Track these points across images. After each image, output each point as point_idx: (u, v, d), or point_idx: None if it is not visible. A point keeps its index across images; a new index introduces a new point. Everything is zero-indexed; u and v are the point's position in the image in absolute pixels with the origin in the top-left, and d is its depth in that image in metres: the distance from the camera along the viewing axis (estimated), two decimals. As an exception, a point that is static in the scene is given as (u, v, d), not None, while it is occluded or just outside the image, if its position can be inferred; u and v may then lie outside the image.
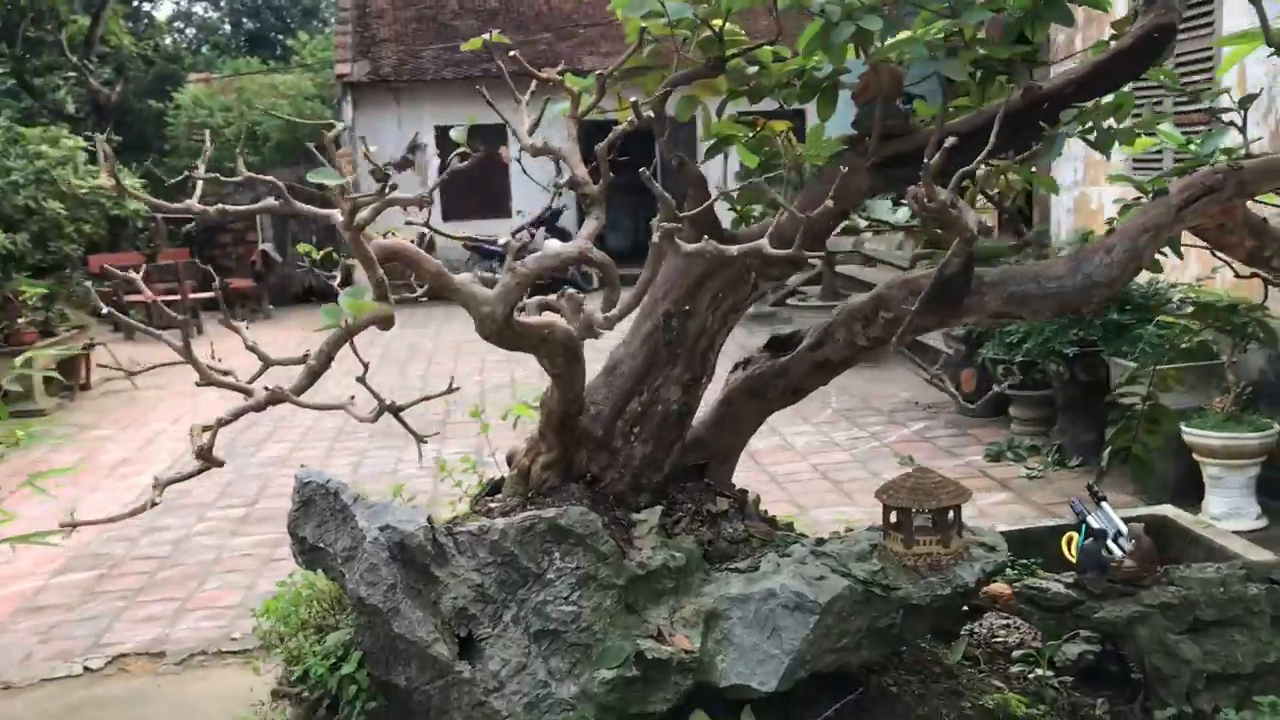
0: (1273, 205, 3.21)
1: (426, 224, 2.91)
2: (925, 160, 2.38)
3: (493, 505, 3.14)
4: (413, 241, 2.65)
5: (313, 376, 2.24)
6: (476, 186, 17.38)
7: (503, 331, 2.57)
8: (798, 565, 2.91)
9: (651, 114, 2.96)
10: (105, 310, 2.23)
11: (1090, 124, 3.04)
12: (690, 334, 3.12)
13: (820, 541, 3.13)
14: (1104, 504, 3.60)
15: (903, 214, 3.60)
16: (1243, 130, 3.06)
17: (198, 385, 2.14)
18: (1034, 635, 3.49)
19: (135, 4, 25.86)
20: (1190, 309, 5.96)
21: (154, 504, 1.89)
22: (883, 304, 3.02)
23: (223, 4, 36.36)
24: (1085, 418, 6.74)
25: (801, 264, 2.73)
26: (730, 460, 3.44)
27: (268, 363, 2.27)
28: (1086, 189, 9.03)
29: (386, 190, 2.22)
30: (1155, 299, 6.69)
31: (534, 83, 2.91)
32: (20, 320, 9.60)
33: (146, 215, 14.05)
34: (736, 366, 3.43)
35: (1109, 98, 3.08)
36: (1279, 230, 3.20)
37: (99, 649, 4.80)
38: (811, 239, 3.02)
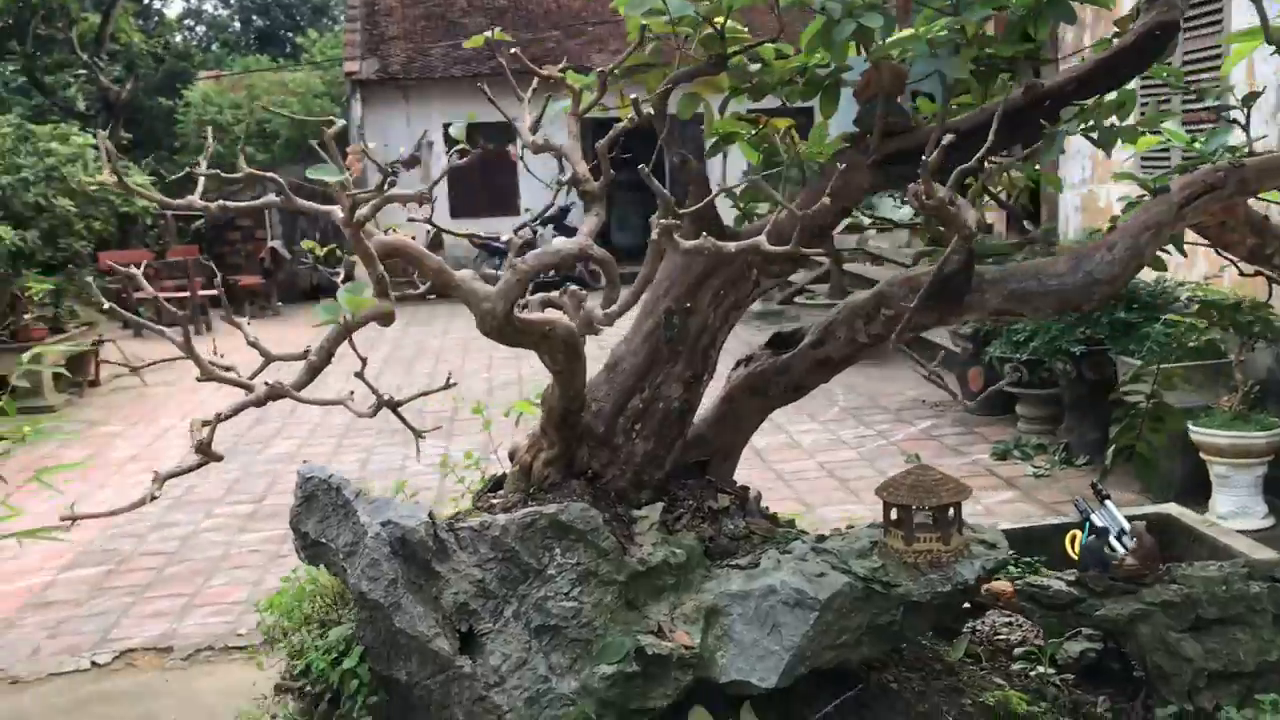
0: (1275, 203, 3.21)
1: (429, 220, 2.93)
2: (923, 157, 2.39)
3: (494, 501, 3.15)
4: (414, 238, 2.66)
5: (313, 372, 2.25)
6: (485, 184, 17.42)
7: (503, 328, 2.58)
8: (798, 562, 2.91)
9: (653, 112, 2.96)
10: (107, 306, 2.24)
11: (1092, 122, 3.03)
12: (692, 331, 3.12)
13: (821, 538, 3.13)
14: (1108, 502, 3.59)
15: (907, 211, 3.61)
16: (1246, 128, 3.05)
17: (198, 380, 2.16)
18: (1036, 633, 3.49)
19: (145, 2, 25.96)
20: (1196, 307, 5.94)
21: (153, 498, 1.90)
22: (884, 301, 3.03)
23: (232, 2, 36.50)
24: (1092, 416, 6.73)
25: (801, 261, 2.73)
26: (732, 457, 3.44)
27: (269, 358, 2.28)
28: (1095, 187, 9.02)
29: (386, 186, 2.23)
30: (1163, 297, 6.67)
31: (536, 80, 2.92)
32: (27, 316, 9.64)
33: (156, 212, 14.10)
34: (738, 364, 3.44)
35: (1112, 95, 3.08)
36: (1281, 228, 3.20)
37: (106, 644, 4.82)
38: (813, 236, 3.03)
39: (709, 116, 3.30)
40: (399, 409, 2.42)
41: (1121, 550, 3.33)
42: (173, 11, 35.28)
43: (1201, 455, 5.63)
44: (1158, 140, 3.35)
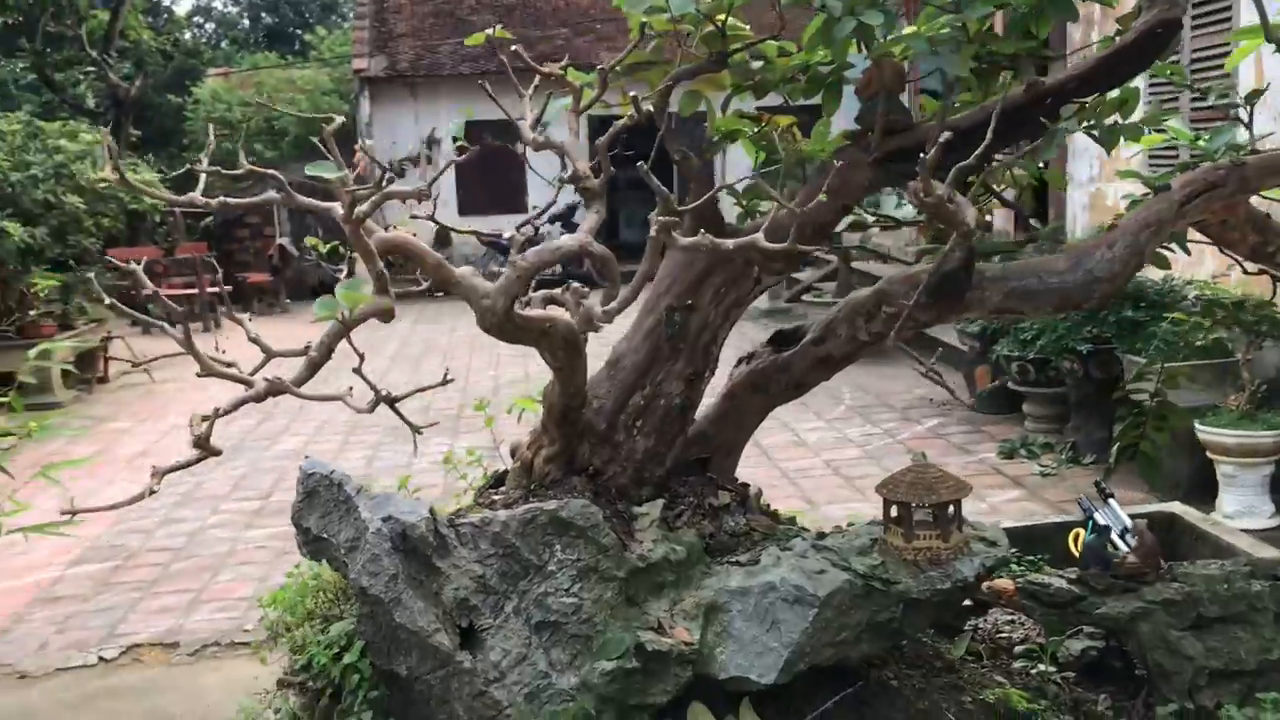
0: (1277, 200, 3.20)
1: (432, 218, 2.94)
2: (921, 155, 2.39)
3: (496, 498, 3.16)
4: (415, 234, 2.66)
5: (313, 368, 2.27)
6: (493, 182, 17.44)
7: (503, 324, 2.59)
8: (798, 559, 2.92)
9: (654, 109, 2.96)
10: (108, 302, 2.26)
11: (1093, 120, 3.03)
12: (693, 328, 3.13)
13: (821, 535, 3.14)
14: (1111, 500, 3.59)
15: (911, 209, 3.60)
16: (1249, 126, 3.05)
17: (198, 376, 2.17)
18: (1038, 631, 3.49)
19: (155, -1, 26.06)
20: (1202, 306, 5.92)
21: (152, 492, 1.91)
22: (885, 299, 3.03)
23: (242, -1, 36.59)
24: (1099, 415, 6.71)
25: (802, 258, 2.73)
26: (734, 454, 3.45)
27: (269, 354, 2.29)
28: (1102, 185, 9.00)
29: (385, 183, 2.24)
30: (1170, 296, 6.66)
31: (537, 78, 2.92)
32: (32, 312, 9.68)
33: (164, 209, 14.14)
34: (740, 361, 3.44)
35: (1114, 93, 3.07)
36: (1284, 226, 3.20)
37: (114, 639, 4.85)
38: (813, 233, 3.03)
39: (711, 114, 3.30)
40: (396, 404, 2.43)
41: (1123, 548, 3.33)
42: (182, 9, 35.33)
43: (1208, 454, 5.62)
44: (1162, 138, 3.34)
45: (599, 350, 2.99)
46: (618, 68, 2.98)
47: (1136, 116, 3.18)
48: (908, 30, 2.93)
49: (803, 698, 2.92)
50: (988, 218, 9.69)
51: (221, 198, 2.37)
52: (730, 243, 2.45)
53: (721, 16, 2.89)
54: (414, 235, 2.61)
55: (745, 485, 3.35)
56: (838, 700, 2.94)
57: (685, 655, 2.78)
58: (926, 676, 3.13)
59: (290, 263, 16.78)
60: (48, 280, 8.85)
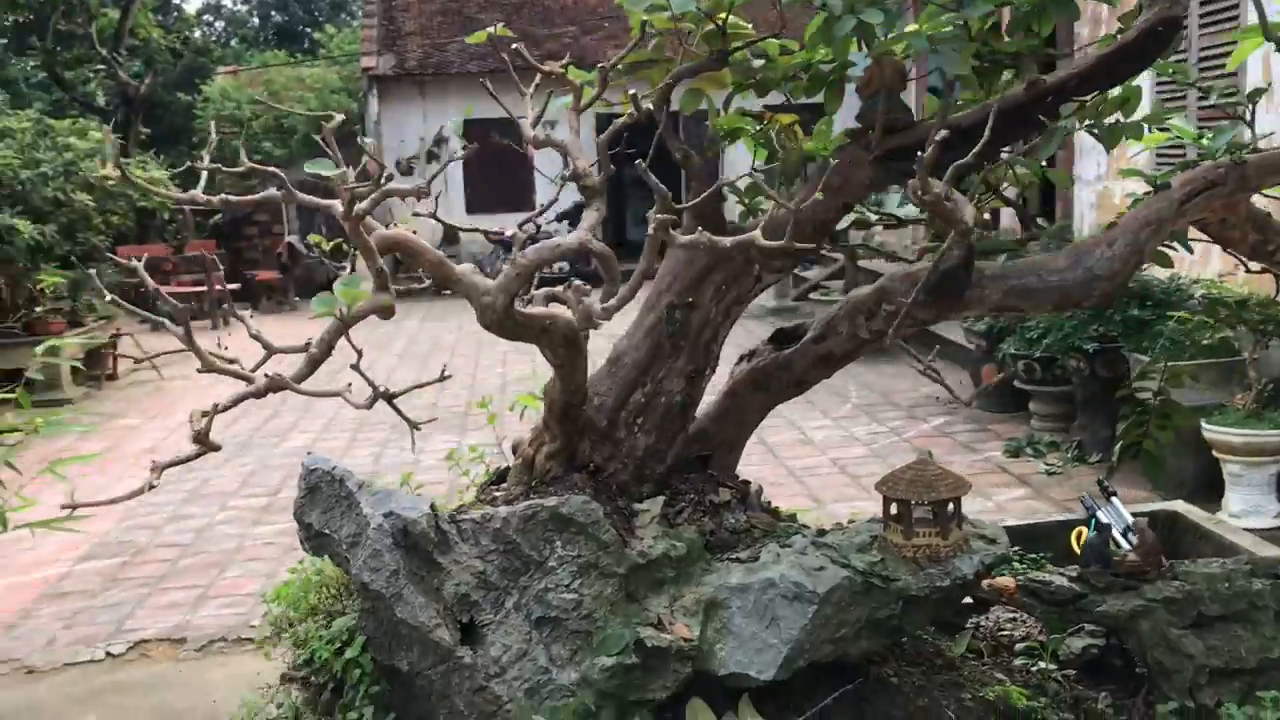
0: (1278, 199, 3.19)
1: (435, 216, 2.95)
2: (919, 153, 2.39)
3: (497, 494, 3.17)
4: (415, 232, 2.68)
5: (313, 364, 2.28)
6: (500, 180, 17.46)
7: (503, 321, 2.60)
8: (798, 556, 2.93)
9: (653, 107, 2.97)
10: (109, 298, 2.28)
11: (1094, 118, 3.03)
12: (694, 326, 3.14)
13: (821, 532, 3.14)
14: (1114, 498, 3.60)
15: (913, 208, 3.60)
16: (1250, 124, 3.04)
17: (198, 371, 2.19)
18: (1039, 629, 3.49)
19: (165, -3, 26.14)
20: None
21: (151, 486, 1.93)
22: (885, 297, 3.03)
23: (251, -2, 36.68)
24: (1105, 414, 6.70)
25: (799, 255, 2.74)
26: (735, 451, 3.46)
27: (270, 351, 2.31)
28: (1109, 183, 8.98)
29: (383, 181, 2.26)
30: (1176, 294, 6.64)
31: (538, 76, 2.94)
32: (38, 309, 9.72)
33: (173, 207, 14.19)
34: (741, 359, 3.45)
35: (1116, 91, 3.07)
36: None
37: (121, 635, 4.88)
38: (814, 231, 3.04)
39: (713, 112, 3.31)
40: (395, 401, 2.44)
41: (1125, 546, 3.33)
42: (191, 7, 35.48)
43: (1215, 453, 5.61)
44: (1166, 137, 3.34)
45: (602, 347, 3.00)
46: (619, 66, 2.99)
47: (1141, 114, 3.18)
48: (910, 28, 2.93)
49: (802, 694, 2.93)
50: (1001, 216, 9.67)
51: (224, 195, 2.39)
52: (728, 240, 2.46)
53: (722, 15, 2.90)
54: (414, 233, 2.62)
55: (746, 482, 3.36)
56: (837, 697, 2.94)
57: (685, 651, 2.79)
58: (926, 674, 3.13)
59: (299, 260, 16.83)
60: (54, 277, 8.89)
